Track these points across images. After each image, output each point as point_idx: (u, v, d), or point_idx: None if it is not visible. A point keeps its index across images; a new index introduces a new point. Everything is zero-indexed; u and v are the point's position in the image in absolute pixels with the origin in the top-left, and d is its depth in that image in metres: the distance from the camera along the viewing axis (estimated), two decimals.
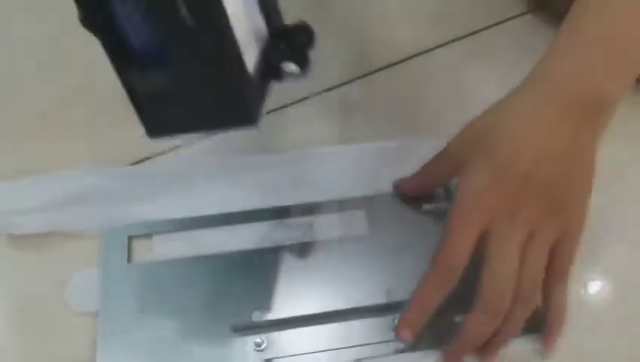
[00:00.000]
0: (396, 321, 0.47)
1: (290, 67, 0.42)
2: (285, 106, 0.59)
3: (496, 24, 0.64)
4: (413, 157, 0.53)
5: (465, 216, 0.44)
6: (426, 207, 0.54)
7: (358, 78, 0.62)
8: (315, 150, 0.56)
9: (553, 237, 0.45)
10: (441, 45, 0.64)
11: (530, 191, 0.44)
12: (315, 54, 0.42)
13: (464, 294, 0.44)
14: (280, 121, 0.58)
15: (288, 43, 0.42)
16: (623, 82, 0.45)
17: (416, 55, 0.63)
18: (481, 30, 0.64)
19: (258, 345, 0.47)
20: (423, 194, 0.53)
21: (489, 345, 0.45)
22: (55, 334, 0.48)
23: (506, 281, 0.43)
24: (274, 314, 0.48)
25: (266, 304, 0.48)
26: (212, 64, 0.37)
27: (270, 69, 0.41)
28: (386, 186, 0.54)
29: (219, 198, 0.53)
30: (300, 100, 0.59)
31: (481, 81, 0.60)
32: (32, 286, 0.51)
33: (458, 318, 0.47)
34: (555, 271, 0.46)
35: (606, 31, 0.45)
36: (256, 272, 0.50)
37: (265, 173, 0.55)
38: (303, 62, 0.42)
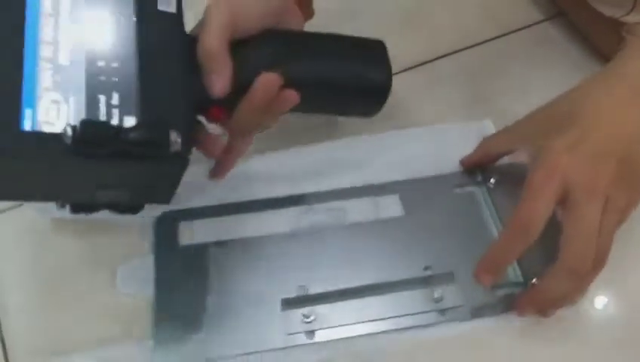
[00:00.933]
0: (436, 294, 0.50)
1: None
2: None
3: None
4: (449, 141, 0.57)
5: (547, 175, 0.46)
6: (457, 190, 0.56)
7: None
8: (351, 138, 0.59)
9: (622, 208, 0.47)
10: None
11: (608, 164, 0.46)
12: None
13: None
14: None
15: None
16: None
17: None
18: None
19: (306, 316, 0.49)
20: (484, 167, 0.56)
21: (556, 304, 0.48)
22: (105, 315, 0.51)
23: (588, 245, 0.45)
24: (319, 289, 0.51)
25: (311, 280, 0.51)
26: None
27: None
28: (419, 171, 0.57)
29: (263, 185, 0.56)
30: None
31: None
32: (81, 270, 0.53)
33: (499, 292, 0.50)
34: None
35: None
36: (301, 252, 0.53)
37: (299, 161, 0.58)
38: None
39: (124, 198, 0.44)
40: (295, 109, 0.48)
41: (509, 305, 0.50)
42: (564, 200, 0.46)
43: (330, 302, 0.50)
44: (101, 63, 0.40)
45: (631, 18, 0.52)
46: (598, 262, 0.46)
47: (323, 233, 0.54)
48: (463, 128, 0.59)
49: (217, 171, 0.51)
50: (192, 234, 0.54)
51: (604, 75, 0.50)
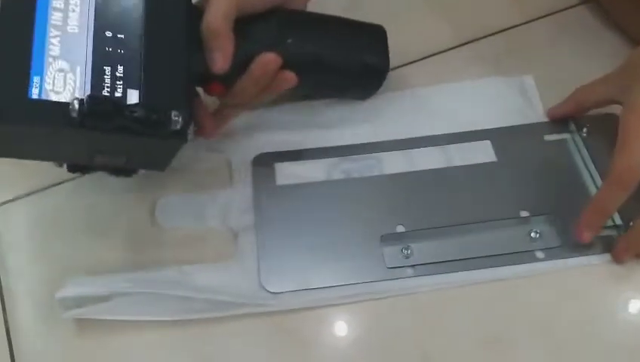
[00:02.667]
0: (532, 233, 0.51)
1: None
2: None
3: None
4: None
5: None
6: (548, 137, 0.57)
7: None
8: (444, 85, 0.61)
9: None
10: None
11: None
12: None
13: None
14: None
15: None
16: None
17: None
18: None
19: (404, 251, 0.50)
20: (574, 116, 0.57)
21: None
22: (146, 247, 0.53)
23: (637, 159, 0.47)
24: (417, 227, 0.52)
25: (410, 218, 0.52)
26: None
27: None
28: (511, 120, 0.58)
29: (359, 130, 0.58)
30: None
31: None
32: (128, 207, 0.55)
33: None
34: None
35: None
36: (398, 192, 0.54)
37: (399, 107, 0.59)
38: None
39: (120, 163, 0.46)
40: (293, 90, 0.50)
41: (606, 246, 0.51)
42: None
43: (428, 240, 0.52)
44: (108, 34, 0.42)
45: None
46: None
47: (421, 175, 0.55)
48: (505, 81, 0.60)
49: (205, 132, 0.51)
50: (288, 174, 0.56)
51: None
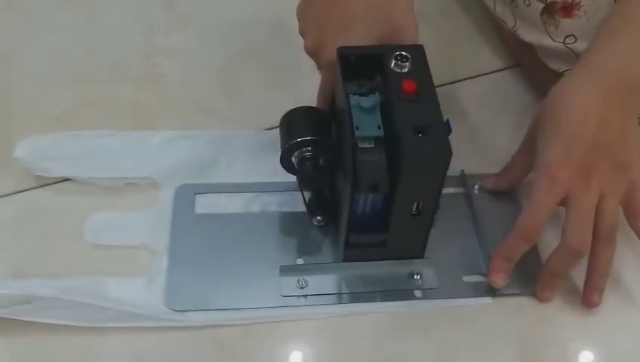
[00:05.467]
0: (415, 275, 0.57)
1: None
2: None
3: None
4: None
5: (548, 190, 0.53)
6: (447, 190, 0.63)
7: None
8: None
9: (622, 190, 0.54)
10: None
11: (597, 157, 0.53)
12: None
13: None
14: None
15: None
16: None
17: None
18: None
19: (300, 282, 0.57)
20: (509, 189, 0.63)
21: (589, 285, 0.56)
22: (72, 259, 0.59)
23: (584, 225, 0.53)
24: (315, 260, 0.58)
25: (310, 253, 0.59)
26: (412, 231, 0.55)
27: None
28: None
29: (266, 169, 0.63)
30: None
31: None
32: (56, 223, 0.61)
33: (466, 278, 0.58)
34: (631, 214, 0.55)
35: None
36: (299, 228, 0.60)
37: None
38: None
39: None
40: None
41: (477, 291, 0.58)
42: (563, 199, 0.54)
43: (323, 273, 0.58)
44: None
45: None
46: (607, 240, 0.54)
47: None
48: None
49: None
50: (207, 204, 0.62)
51: (578, 73, 0.56)
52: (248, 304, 0.56)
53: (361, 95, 0.51)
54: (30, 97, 0.71)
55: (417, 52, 0.52)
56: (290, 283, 0.57)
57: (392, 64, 0.51)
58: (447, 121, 0.50)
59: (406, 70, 0.51)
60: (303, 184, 0.55)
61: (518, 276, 0.57)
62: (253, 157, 0.65)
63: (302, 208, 0.60)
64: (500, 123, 0.69)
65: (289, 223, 0.61)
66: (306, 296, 0.57)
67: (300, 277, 0.57)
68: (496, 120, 0.70)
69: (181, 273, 0.57)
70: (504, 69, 0.75)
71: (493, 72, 0.75)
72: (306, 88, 0.59)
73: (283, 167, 0.55)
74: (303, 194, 0.57)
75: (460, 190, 0.64)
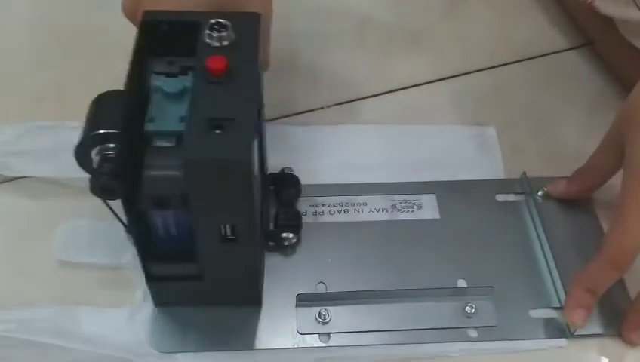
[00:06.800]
0: (468, 308, 0.45)
1: (290, 237, 0.46)
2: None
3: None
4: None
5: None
6: (500, 197, 0.51)
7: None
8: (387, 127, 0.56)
9: None
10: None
11: None
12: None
13: None
14: None
15: (280, 200, 0.48)
16: None
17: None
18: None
19: (322, 316, 0.44)
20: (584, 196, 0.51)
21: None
22: (39, 281, 0.47)
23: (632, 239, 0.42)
24: (338, 288, 0.46)
25: (333, 277, 0.47)
26: (234, 263, 0.41)
27: (271, 240, 0.47)
28: (463, 173, 0.53)
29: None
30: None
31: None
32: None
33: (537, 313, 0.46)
34: None
35: None
36: (325, 245, 0.48)
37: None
38: (298, 229, 0.47)
39: None
40: None
41: (550, 330, 0.45)
42: None
43: (349, 304, 0.45)
44: None
45: None
46: None
47: (352, 227, 0.49)
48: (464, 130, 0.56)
49: None
50: None
51: None
52: (255, 344, 0.44)
53: (168, 75, 0.38)
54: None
55: (248, 21, 0.40)
56: (309, 316, 0.45)
57: (206, 35, 0.38)
58: (260, 112, 0.39)
59: (225, 44, 0.38)
60: (99, 190, 0.38)
61: (600, 312, 0.45)
62: None
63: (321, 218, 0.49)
64: (568, 112, 0.57)
65: (304, 236, 0.49)
66: (329, 333, 0.44)
67: (322, 309, 0.45)
68: (564, 109, 0.58)
69: (171, 306, 0.45)
70: (570, 48, 0.62)
71: (558, 51, 0.62)
72: None
73: (78, 161, 0.39)
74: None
75: (521, 197, 0.52)
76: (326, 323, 0.45)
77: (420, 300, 0.46)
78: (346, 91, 0.58)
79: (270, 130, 0.48)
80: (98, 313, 0.45)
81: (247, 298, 0.44)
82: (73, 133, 0.47)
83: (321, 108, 0.57)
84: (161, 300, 0.44)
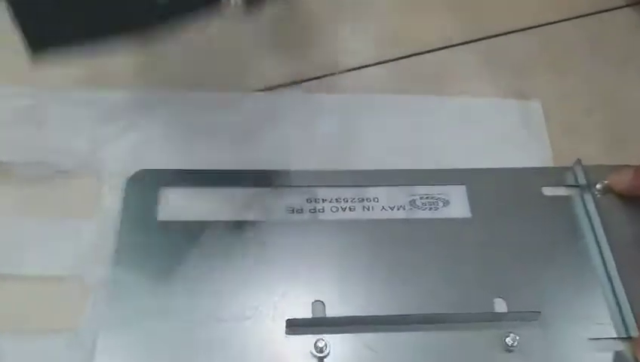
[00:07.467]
0: (509, 339, 0.35)
1: None
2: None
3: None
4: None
5: None
6: (548, 191, 0.42)
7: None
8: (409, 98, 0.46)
9: None
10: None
11: None
12: None
13: None
14: None
15: None
16: None
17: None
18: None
19: (319, 349, 0.35)
20: None
21: None
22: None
23: None
24: (340, 311, 0.36)
25: (331, 296, 0.37)
26: None
27: None
28: (501, 160, 0.43)
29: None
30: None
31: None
32: None
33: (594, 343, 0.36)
34: None
35: None
36: (318, 253, 0.38)
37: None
38: None
39: None
40: None
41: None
42: None
43: (355, 332, 0.36)
44: None
45: None
46: None
47: (361, 226, 0.39)
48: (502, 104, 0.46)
49: None
50: (178, 206, 0.40)
51: None
52: None
53: None
54: None
55: None
56: (304, 346, 0.35)
57: None
58: None
59: None
60: None
61: None
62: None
63: (323, 215, 0.40)
64: (633, 83, 0.47)
65: (288, 238, 0.39)
66: None
67: (319, 338, 0.35)
68: (627, 78, 0.48)
69: (125, 324, 0.35)
70: (628, 5, 0.52)
71: (615, 8, 0.52)
72: None
73: None
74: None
75: (575, 191, 0.42)
76: (323, 357, 0.35)
77: (446, 328, 0.36)
78: (357, 56, 0.48)
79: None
80: (30, 340, 0.35)
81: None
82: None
83: (333, 74, 0.47)
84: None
